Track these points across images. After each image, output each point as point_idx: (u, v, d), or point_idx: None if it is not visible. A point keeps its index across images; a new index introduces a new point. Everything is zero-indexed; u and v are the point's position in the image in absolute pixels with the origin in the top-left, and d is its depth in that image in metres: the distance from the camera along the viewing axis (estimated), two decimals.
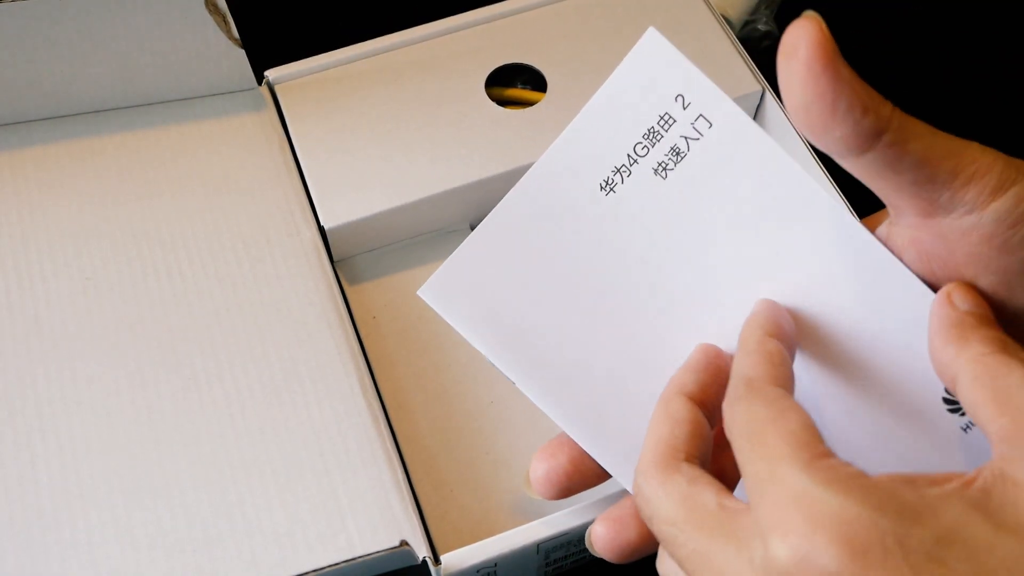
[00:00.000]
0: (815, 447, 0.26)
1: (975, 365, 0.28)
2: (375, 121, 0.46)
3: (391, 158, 0.45)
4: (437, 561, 0.36)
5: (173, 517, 0.36)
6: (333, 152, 0.45)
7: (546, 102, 0.47)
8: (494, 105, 0.47)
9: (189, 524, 0.36)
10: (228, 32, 0.44)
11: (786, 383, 0.30)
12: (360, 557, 0.35)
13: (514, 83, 0.49)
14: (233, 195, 0.44)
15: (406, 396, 0.43)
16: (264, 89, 0.47)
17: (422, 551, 0.36)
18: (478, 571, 0.37)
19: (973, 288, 0.30)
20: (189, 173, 0.44)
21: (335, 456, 0.38)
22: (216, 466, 0.37)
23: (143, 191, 0.43)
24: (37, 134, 0.44)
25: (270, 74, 0.47)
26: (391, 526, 0.36)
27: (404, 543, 0.35)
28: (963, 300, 0.30)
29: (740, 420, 0.29)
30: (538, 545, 0.37)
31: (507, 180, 0.45)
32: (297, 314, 0.41)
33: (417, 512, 0.38)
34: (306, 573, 0.34)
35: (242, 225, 0.43)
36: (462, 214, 0.47)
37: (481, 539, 0.37)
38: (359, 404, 0.39)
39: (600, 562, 0.43)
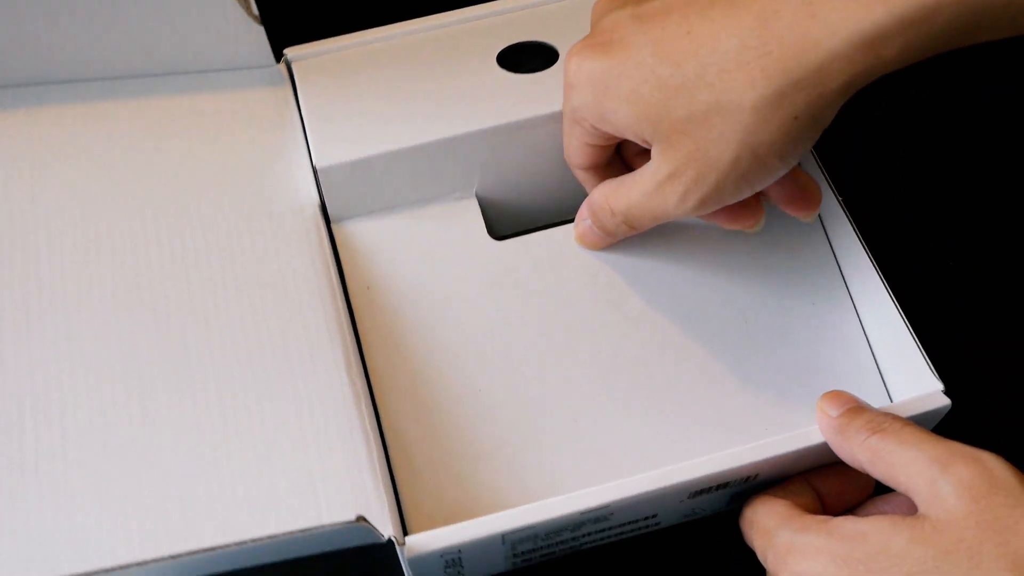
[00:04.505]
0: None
1: (865, 452, 0.37)
2: (381, 82, 0.46)
3: (394, 111, 0.45)
4: (402, 541, 0.37)
5: (150, 477, 0.37)
6: (335, 100, 0.46)
7: (556, 69, 0.47)
8: (505, 72, 0.47)
9: (165, 484, 0.37)
10: (248, 9, 0.45)
11: None
12: (314, 528, 0.35)
13: (521, 69, 0.48)
14: (241, 169, 0.44)
15: (394, 374, 0.43)
16: (282, 67, 0.47)
17: (387, 530, 0.37)
18: (442, 555, 0.37)
19: (837, 393, 0.39)
20: (200, 144, 0.45)
21: (314, 431, 0.39)
22: (197, 430, 0.38)
23: (153, 158, 0.44)
24: (55, 95, 0.45)
25: (289, 52, 0.47)
26: (360, 504, 0.37)
27: (361, 518, 0.36)
28: (832, 407, 0.39)
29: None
30: (503, 536, 0.37)
31: (515, 132, 0.45)
32: (291, 290, 0.42)
33: (392, 493, 0.38)
34: (260, 538, 0.35)
35: (246, 199, 0.44)
36: (467, 174, 0.46)
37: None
38: (343, 382, 0.40)
39: (571, 557, 0.43)
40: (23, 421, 0.38)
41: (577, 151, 0.44)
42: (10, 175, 0.43)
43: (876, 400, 0.43)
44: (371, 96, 0.46)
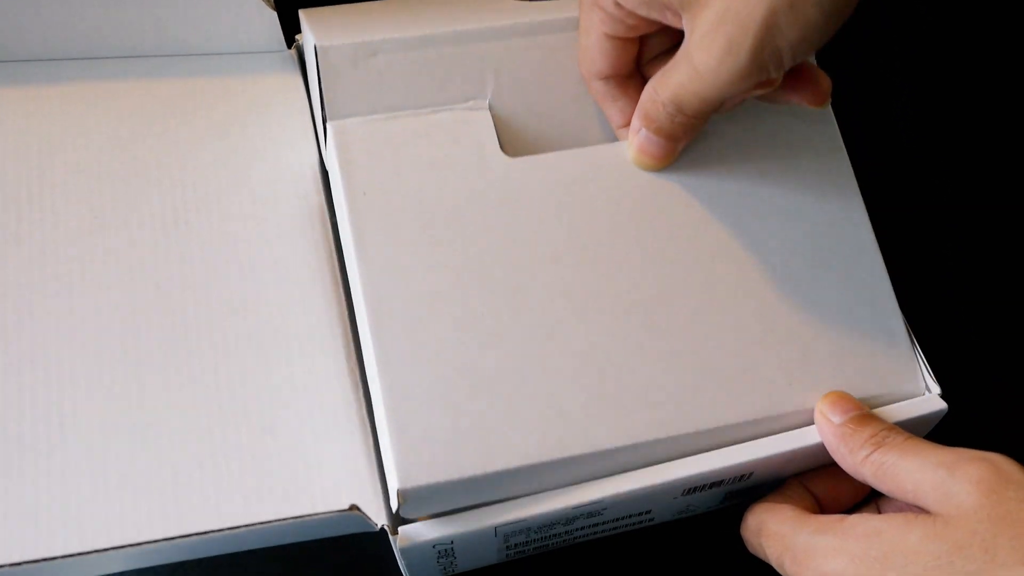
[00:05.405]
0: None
1: (869, 467, 0.37)
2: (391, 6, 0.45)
3: (402, 12, 0.44)
4: (395, 531, 0.37)
5: (147, 458, 0.37)
6: (337, 10, 0.44)
7: None
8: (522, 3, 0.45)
9: (160, 467, 0.37)
10: None
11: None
12: (307, 516, 0.36)
13: None
14: (248, 153, 0.45)
15: (389, 301, 0.39)
16: (294, 52, 0.48)
17: (381, 519, 0.37)
18: (434, 546, 0.38)
19: (840, 395, 0.39)
20: (209, 127, 0.45)
21: (311, 417, 0.39)
22: (194, 413, 0.38)
23: (161, 139, 0.44)
24: (65, 72, 0.45)
25: (301, 38, 0.47)
26: (354, 494, 0.37)
27: (353, 507, 0.36)
28: (835, 412, 0.39)
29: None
30: (495, 528, 0.38)
31: (529, 34, 0.43)
32: (293, 275, 0.42)
33: (383, 482, 0.38)
34: (252, 524, 0.35)
35: (253, 183, 0.44)
36: (479, 78, 0.43)
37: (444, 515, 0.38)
38: (341, 369, 0.40)
39: (564, 551, 0.43)
40: (22, 401, 0.38)
41: (596, 48, 0.41)
42: (19, 150, 0.43)
43: (904, 372, 0.41)
44: (378, 8, 0.45)
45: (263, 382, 0.39)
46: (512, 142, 0.43)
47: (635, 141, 0.42)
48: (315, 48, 0.41)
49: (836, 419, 0.38)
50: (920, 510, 0.36)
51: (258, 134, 0.45)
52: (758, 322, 0.40)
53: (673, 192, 0.42)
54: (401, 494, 0.36)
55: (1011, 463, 0.35)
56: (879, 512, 0.40)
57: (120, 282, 0.41)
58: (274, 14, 0.46)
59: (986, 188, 0.55)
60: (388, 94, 0.42)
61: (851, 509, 0.41)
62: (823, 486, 0.41)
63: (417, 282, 0.39)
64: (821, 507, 0.41)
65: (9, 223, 0.42)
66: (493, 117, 0.43)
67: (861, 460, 0.37)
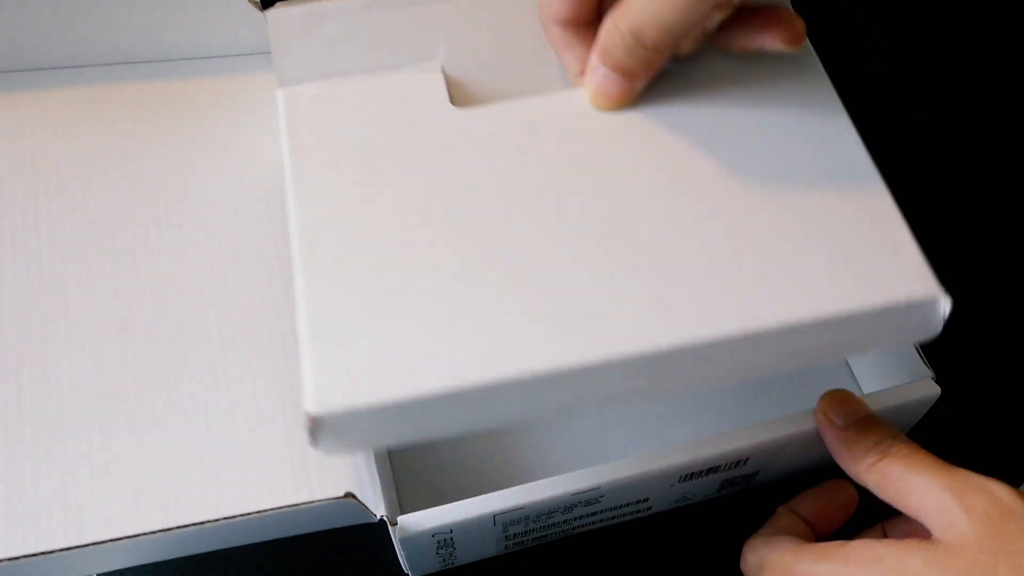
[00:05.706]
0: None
1: (872, 475, 0.38)
2: None
3: None
4: (394, 522, 0.37)
5: (146, 455, 0.38)
6: None
7: None
8: None
9: (159, 462, 0.37)
10: None
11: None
12: (304, 504, 0.36)
13: None
14: (241, 154, 0.45)
15: (321, 233, 0.36)
16: None
17: (380, 510, 0.37)
18: (433, 535, 0.38)
19: (841, 396, 0.40)
20: (201, 129, 0.45)
21: None
22: (193, 410, 0.39)
23: (155, 142, 0.45)
24: (60, 79, 0.46)
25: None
26: (354, 485, 0.37)
27: (349, 495, 0.36)
28: (837, 415, 0.39)
29: None
30: (494, 516, 0.38)
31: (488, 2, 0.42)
32: (288, 273, 0.42)
33: (388, 475, 0.38)
34: (250, 513, 0.35)
35: (245, 184, 0.44)
36: (430, 40, 0.41)
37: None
38: None
39: (563, 541, 0.44)
40: (20, 392, 0.38)
41: None
42: (12, 156, 0.44)
43: (910, 273, 0.35)
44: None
45: (260, 378, 0.40)
46: (465, 101, 0.40)
47: (592, 80, 0.39)
48: (266, 19, 0.41)
49: (839, 421, 0.39)
50: (921, 526, 0.36)
51: (250, 136, 0.46)
52: (732, 238, 0.35)
53: (635, 125, 0.39)
54: (314, 420, 0.31)
55: (1012, 494, 0.35)
56: (884, 535, 0.40)
57: (115, 283, 0.41)
58: (263, 16, 0.46)
59: (966, 133, 0.55)
60: (339, 59, 0.41)
61: (852, 528, 0.41)
62: (811, 508, 0.41)
63: (352, 215, 0.36)
64: (814, 529, 0.41)
65: (4, 228, 0.42)
66: (446, 78, 0.41)
67: (865, 468, 0.37)
